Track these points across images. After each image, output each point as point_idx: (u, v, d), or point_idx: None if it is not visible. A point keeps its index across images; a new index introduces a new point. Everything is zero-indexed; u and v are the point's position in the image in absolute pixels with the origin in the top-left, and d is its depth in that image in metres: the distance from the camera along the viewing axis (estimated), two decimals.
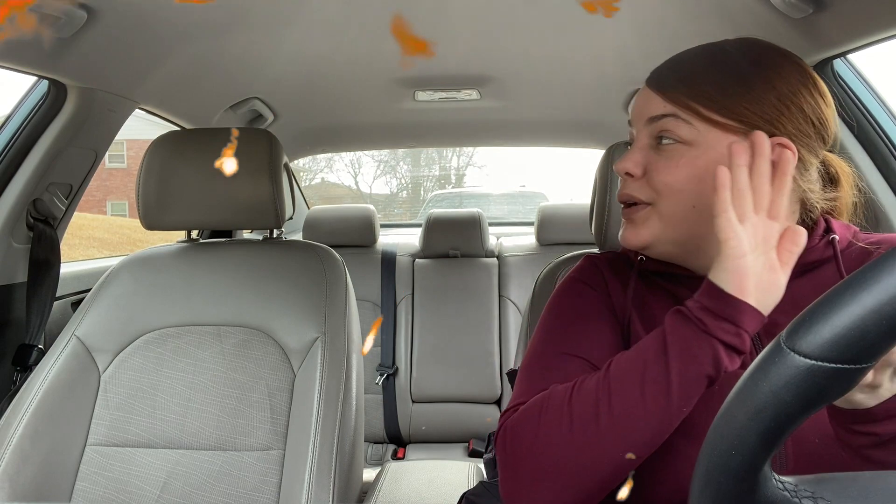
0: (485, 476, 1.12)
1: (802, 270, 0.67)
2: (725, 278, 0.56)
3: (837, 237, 0.68)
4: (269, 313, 1.14)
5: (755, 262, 0.56)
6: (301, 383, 1.08)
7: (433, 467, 1.51)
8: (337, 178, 19.83)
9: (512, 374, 0.89)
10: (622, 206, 0.72)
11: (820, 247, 0.68)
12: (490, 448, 0.95)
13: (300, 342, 1.11)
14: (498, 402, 2.21)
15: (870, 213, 1.22)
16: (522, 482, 0.60)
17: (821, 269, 0.68)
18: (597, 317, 0.72)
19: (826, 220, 0.70)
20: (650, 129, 0.68)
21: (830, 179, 0.70)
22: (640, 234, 0.69)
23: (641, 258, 0.74)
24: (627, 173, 0.69)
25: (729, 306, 0.55)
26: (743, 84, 0.64)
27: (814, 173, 0.68)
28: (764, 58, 0.66)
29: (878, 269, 0.33)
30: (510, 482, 0.61)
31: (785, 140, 0.63)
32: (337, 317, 1.14)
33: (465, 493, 0.92)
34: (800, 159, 0.64)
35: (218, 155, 1.18)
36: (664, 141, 0.66)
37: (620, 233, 0.72)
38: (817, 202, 0.68)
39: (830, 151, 0.70)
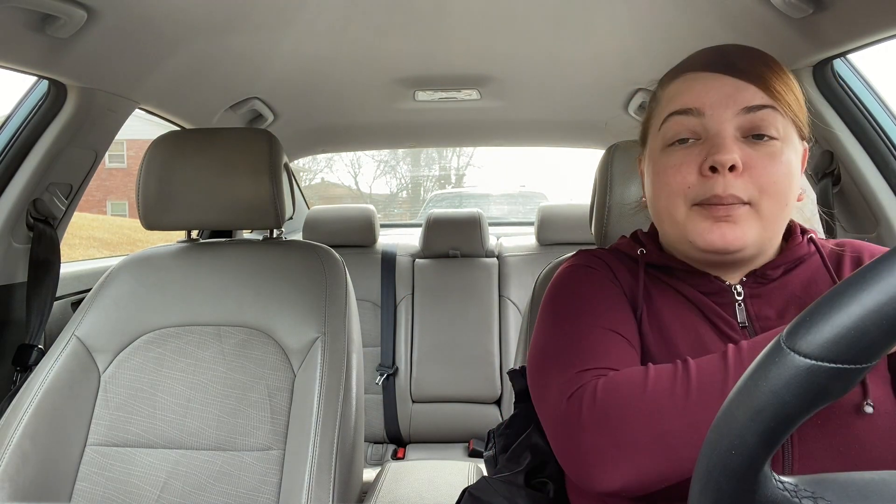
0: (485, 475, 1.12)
1: (792, 266, 0.70)
2: None
3: (813, 235, 0.72)
4: (269, 313, 1.14)
5: None
6: (301, 383, 1.08)
7: (433, 467, 1.51)
8: (337, 178, 19.84)
9: (512, 374, 0.88)
10: (703, 207, 0.65)
11: (804, 243, 0.70)
12: (490, 446, 0.95)
13: (300, 342, 1.11)
14: (498, 402, 2.21)
15: (863, 215, 1.22)
16: (618, 445, 0.56)
17: (807, 264, 0.70)
18: (615, 298, 0.70)
19: (799, 225, 0.73)
20: (741, 121, 0.64)
21: None
22: (744, 234, 0.63)
23: (642, 251, 0.74)
24: (733, 167, 0.62)
25: None
26: (792, 86, 0.66)
27: None
28: (777, 63, 0.69)
29: (878, 269, 0.33)
30: (595, 447, 0.57)
31: (807, 146, 0.68)
32: (337, 317, 1.14)
33: (466, 488, 0.92)
34: None
35: (218, 155, 1.19)
36: (761, 135, 0.63)
37: (709, 233, 0.64)
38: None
39: None
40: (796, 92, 0.66)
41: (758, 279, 0.69)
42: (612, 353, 0.64)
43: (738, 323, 0.68)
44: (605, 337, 0.66)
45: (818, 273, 0.69)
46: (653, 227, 0.80)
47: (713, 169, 0.63)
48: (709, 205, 0.64)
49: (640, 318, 0.70)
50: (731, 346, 0.58)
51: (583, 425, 0.58)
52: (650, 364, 0.60)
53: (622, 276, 0.74)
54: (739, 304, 0.68)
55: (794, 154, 0.65)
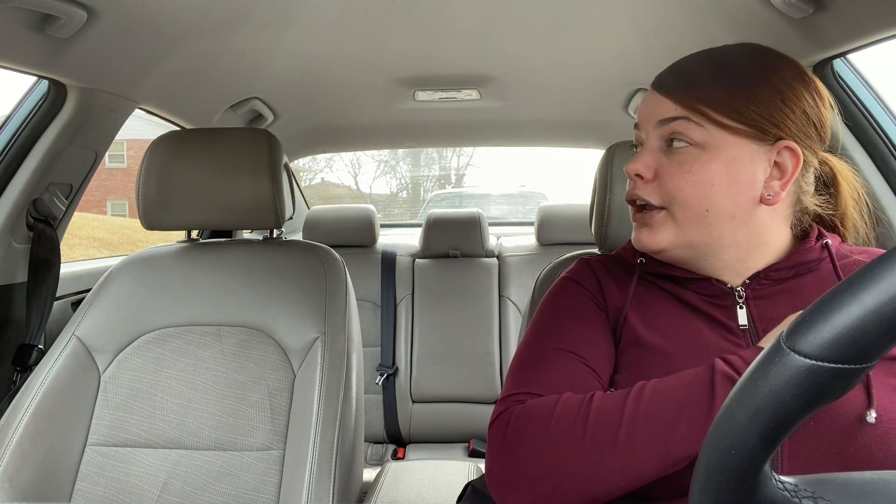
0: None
1: (803, 270, 0.69)
2: None
3: (830, 241, 0.71)
4: (269, 313, 1.14)
5: None
6: (301, 383, 1.08)
7: (433, 467, 1.51)
8: (337, 178, 19.84)
9: None
10: (632, 208, 0.72)
11: (816, 248, 0.70)
12: None
13: (300, 342, 1.11)
14: None
15: (871, 216, 1.22)
16: (518, 476, 0.61)
17: (818, 270, 0.70)
18: (590, 317, 0.73)
19: (818, 229, 0.72)
20: (660, 132, 0.68)
21: (825, 182, 0.73)
22: (657, 238, 0.69)
23: (641, 261, 0.75)
24: (638, 175, 0.69)
25: None
26: (749, 87, 0.65)
27: (811, 174, 0.70)
28: (766, 61, 0.67)
29: (878, 269, 0.33)
30: (503, 472, 0.62)
31: (792, 144, 0.65)
32: (337, 317, 1.14)
33: (471, 482, 0.92)
34: (802, 161, 0.66)
35: (218, 155, 1.19)
36: (676, 144, 0.67)
37: (634, 236, 0.72)
38: (810, 204, 0.70)
39: (829, 152, 0.71)
40: (763, 93, 0.64)
41: (761, 281, 0.69)
42: (553, 375, 0.68)
43: (739, 325, 0.68)
44: (556, 358, 0.69)
45: (829, 281, 0.68)
46: None
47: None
48: (633, 209, 0.72)
49: (622, 325, 0.72)
50: (636, 385, 0.61)
51: (494, 453, 0.64)
52: (565, 395, 0.63)
53: (616, 285, 0.76)
54: (741, 307, 0.68)
55: (722, 160, 0.65)
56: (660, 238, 0.69)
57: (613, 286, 0.76)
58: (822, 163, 0.72)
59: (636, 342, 0.70)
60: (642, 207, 0.70)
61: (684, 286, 0.72)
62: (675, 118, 0.66)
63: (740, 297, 0.69)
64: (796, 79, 0.67)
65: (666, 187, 0.67)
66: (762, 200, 0.66)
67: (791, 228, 0.70)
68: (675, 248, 0.69)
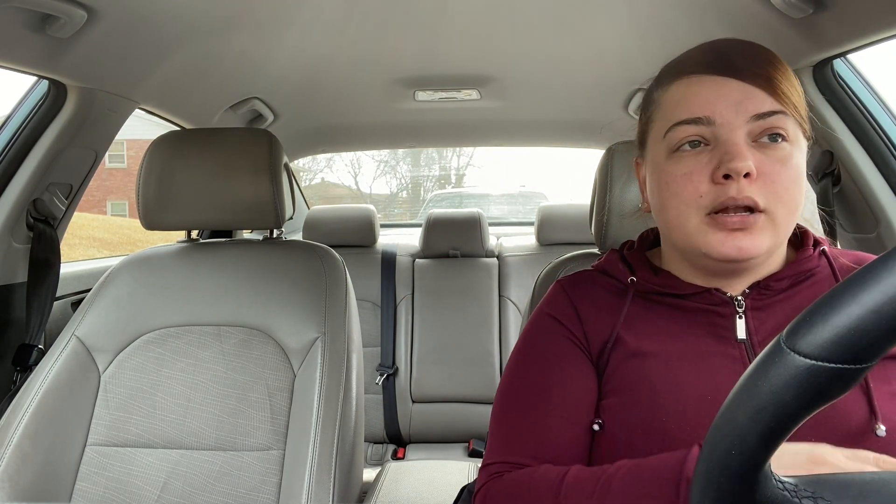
0: None
1: (800, 279, 0.68)
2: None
3: (826, 247, 0.70)
4: (269, 313, 1.14)
5: None
6: (301, 383, 1.08)
7: (433, 467, 1.51)
8: (337, 178, 19.85)
9: None
10: (703, 214, 0.63)
11: (815, 256, 0.68)
12: None
13: (300, 342, 1.11)
14: None
15: (863, 215, 1.22)
16: None
17: (816, 278, 0.68)
18: (567, 360, 0.70)
19: (812, 235, 0.71)
20: (753, 126, 0.62)
21: None
22: (760, 243, 0.62)
23: (632, 280, 0.72)
24: (748, 174, 0.60)
25: None
26: (796, 83, 0.65)
27: None
28: (782, 59, 0.67)
29: (877, 270, 0.33)
30: None
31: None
32: (337, 317, 1.14)
33: (465, 486, 0.92)
34: None
35: (218, 155, 1.19)
36: (775, 140, 0.62)
37: (723, 242, 0.62)
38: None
39: None
40: (799, 90, 0.65)
41: (761, 291, 0.67)
42: (530, 439, 0.67)
43: (738, 338, 0.66)
44: (533, 417, 0.68)
45: (827, 288, 0.68)
46: (640, 241, 0.79)
47: (727, 176, 0.61)
48: (723, 214, 0.62)
49: (609, 353, 0.69)
50: (611, 466, 0.58)
51: None
52: (541, 470, 0.62)
53: (598, 309, 0.72)
54: (740, 317, 0.66)
55: (801, 156, 0.64)
56: (763, 242, 0.61)
57: (594, 311, 0.72)
58: None
59: (632, 354, 0.68)
60: (735, 210, 0.62)
61: (681, 298, 0.69)
62: (774, 112, 0.61)
63: (740, 307, 0.67)
64: None
65: (773, 186, 0.61)
66: None
67: None
68: (767, 254, 0.64)
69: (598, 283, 0.75)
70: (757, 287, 0.67)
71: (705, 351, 0.66)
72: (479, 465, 0.70)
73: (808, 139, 0.65)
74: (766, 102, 0.62)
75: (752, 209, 0.61)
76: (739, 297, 0.67)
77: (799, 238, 0.71)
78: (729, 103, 0.62)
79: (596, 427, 0.67)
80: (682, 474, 0.52)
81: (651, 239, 0.79)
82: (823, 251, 0.69)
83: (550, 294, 0.77)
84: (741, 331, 0.66)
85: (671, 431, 0.62)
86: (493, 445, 0.69)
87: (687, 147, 0.64)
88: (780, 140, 0.62)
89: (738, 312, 0.66)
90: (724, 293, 0.67)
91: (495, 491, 0.64)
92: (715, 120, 0.63)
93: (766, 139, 0.62)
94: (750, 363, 0.65)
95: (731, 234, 0.62)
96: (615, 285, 0.74)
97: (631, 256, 0.76)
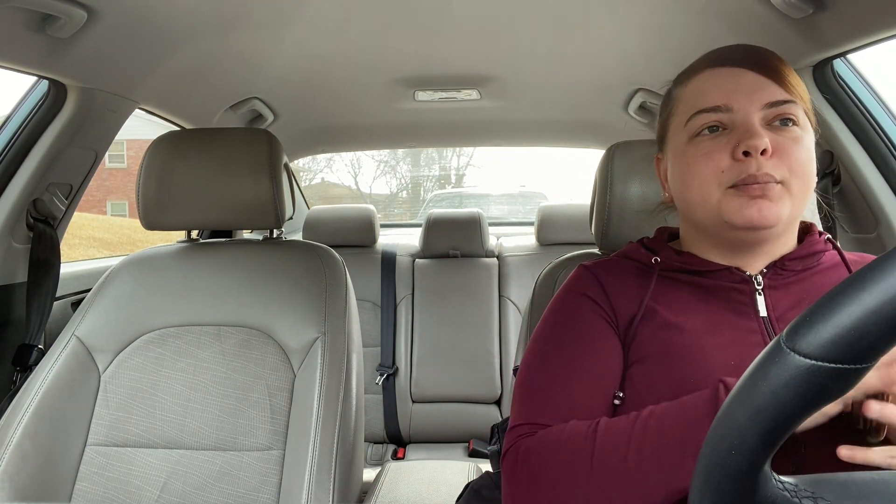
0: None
1: (813, 263, 0.73)
2: None
3: (829, 235, 0.75)
4: (269, 313, 1.14)
5: None
6: (301, 383, 1.08)
7: (433, 467, 1.51)
8: (337, 178, 19.84)
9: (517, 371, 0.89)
10: (740, 187, 0.68)
11: (821, 241, 0.74)
12: (494, 440, 0.96)
13: (300, 342, 1.11)
14: (498, 402, 2.21)
15: (863, 215, 1.22)
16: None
17: (827, 264, 0.74)
18: (592, 330, 0.73)
19: (813, 225, 0.77)
20: (767, 113, 0.68)
21: None
22: (779, 210, 0.66)
23: (656, 259, 0.75)
24: (763, 151, 0.66)
25: None
26: (800, 81, 0.71)
27: None
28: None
29: (878, 270, 0.33)
30: (518, 499, 0.64)
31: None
32: (337, 317, 1.14)
33: (469, 483, 0.92)
34: None
35: (218, 155, 1.19)
36: (787, 124, 0.68)
37: (744, 210, 0.67)
38: None
39: None
40: (804, 86, 0.71)
41: (777, 271, 0.71)
42: (558, 402, 0.69)
43: (760, 314, 0.70)
44: (560, 382, 0.70)
45: (839, 275, 0.72)
46: (659, 233, 0.82)
47: (746, 154, 0.66)
48: (744, 185, 0.67)
49: (635, 329, 0.72)
50: (640, 414, 0.61)
51: (508, 489, 0.66)
52: (571, 424, 0.65)
53: (624, 287, 0.76)
54: (759, 293, 0.71)
55: (811, 141, 0.69)
56: (782, 210, 0.67)
57: (621, 289, 0.76)
58: None
59: (661, 325, 0.71)
60: (756, 183, 0.67)
61: (702, 275, 0.73)
62: (786, 101, 0.68)
63: (759, 285, 0.71)
64: None
65: (789, 161, 0.67)
66: None
67: None
68: (784, 224, 0.69)
69: (621, 266, 0.79)
70: (773, 266, 0.71)
71: (727, 323, 0.70)
72: (481, 462, 0.71)
73: (815, 130, 0.71)
74: (777, 92, 0.68)
75: (765, 182, 0.67)
76: (758, 276, 0.71)
77: (805, 225, 0.77)
78: (744, 92, 0.68)
79: (616, 402, 0.70)
80: (717, 402, 0.56)
81: (667, 234, 0.83)
82: (829, 238, 0.74)
83: (575, 276, 0.80)
84: (761, 307, 0.70)
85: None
86: (521, 410, 0.71)
87: (706, 132, 0.70)
88: (790, 124, 0.68)
89: (757, 290, 0.71)
90: (744, 272, 0.71)
91: (526, 448, 0.65)
92: (732, 107, 0.68)
93: (778, 123, 0.68)
94: (770, 338, 0.67)
95: (752, 201, 0.67)
96: (638, 267, 0.78)
97: (651, 243, 0.80)
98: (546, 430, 0.65)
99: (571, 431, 0.63)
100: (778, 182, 0.66)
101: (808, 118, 0.70)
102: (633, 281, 0.76)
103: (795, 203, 0.68)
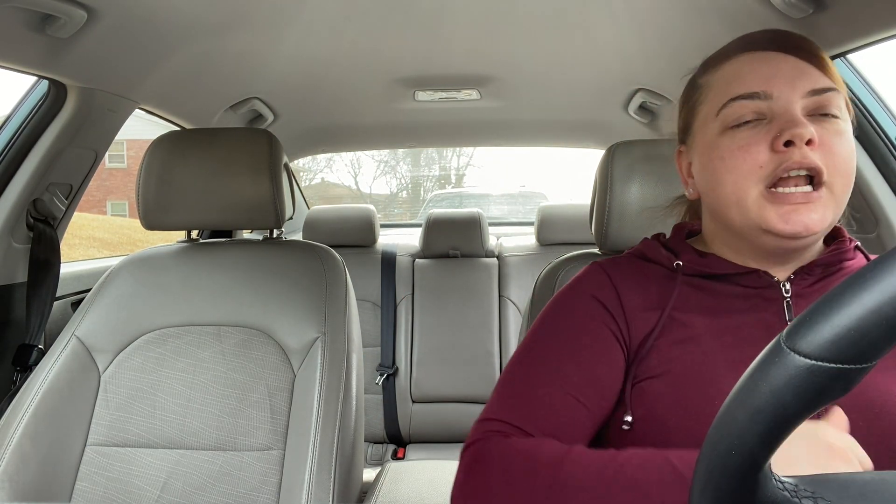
0: None
1: (832, 270, 0.68)
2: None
3: (859, 244, 0.70)
4: (269, 313, 1.14)
5: None
6: (301, 383, 1.08)
7: (433, 467, 1.51)
8: (337, 178, 19.84)
9: None
10: (762, 188, 0.62)
11: (851, 248, 0.68)
12: None
13: (300, 342, 1.11)
14: None
15: (863, 215, 1.22)
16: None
17: (850, 269, 0.68)
18: (597, 341, 0.68)
19: (842, 228, 0.71)
20: (809, 102, 0.62)
21: None
22: (823, 217, 0.61)
23: (678, 264, 0.70)
24: (810, 141, 0.60)
25: None
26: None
27: None
28: None
29: (878, 269, 0.33)
30: (467, 498, 0.61)
31: None
32: (337, 317, 1.14)
33: None
34: None
35: (218, 155, 1.19)
36: (830, 115, 0.62)
37: (786, 217, 0.61)
38: None
39: None
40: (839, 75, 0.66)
41: (804, 276, 0.66)
42: (538, 409, 0.64)
43: (787, 322, 0.64)
44: (544, 386, 0.65)
45: None
46: (678, 230, 0.76)
47: (787, 144, 0.60)
48: (783, 188, 0.61)
49: (655, 339, 0.67)
50: (608, 460, 0.55)
51: (459, 482, 0.62)
52: (547, 442, 0.60)
53: (641, 290, 0.70)
54: (788, 302, 0.66)
55: (852, 135, 0.64)
56: (826, 217, 0.61)
57: (639, 296, 0.70)
58: None
59: (682, 338, 0.66)
60: (790, 184, 0.62)
61: (731, 280, 0.68)
62: (828, 89, 0.62)
63: (787, 293, 0.66)
64: None
65: (832, 156, 0.60)
66: None
67: None
68: (824, 231, 0.63)
69: (639, 269, 0.73)
70: (801, 271, 0.66)
71: (752, 339, 0.65)
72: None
73: (852, 122, 0.65)
74: (820, 79, 0.62)
75: (812, 182, 0.61)
76: (786, 283, 0.67)
77: (831, 236, 0.71)
78: (786, 78, 0.63)
79: (625, 426, 0.65)
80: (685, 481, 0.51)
81: (685, 232, 0.77)
82: (857, 246, 0.69)
83: (589, 273, 0.74)
84: (790, 315, 0.65)
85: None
86: (498, 404, 0.66)
87: (743, 124, 0.64)
88: (833, 116, 0.62)
89: (785, 298, 0.66)
90: (772, 277, 0.67)
91: (492, 450, 0.61)
92: (772, 94, 0.62)
93: (819, 115, 0.62)
94: None
95: (794, 207, 0.61)
96: (658, 270, 0.72)
97: (672, 243, 0.74)
98: (519, 441, 0.61)
99: (541, 452, 0.58)
100: (822, 183, 0.60)
101: (848, 109, 0.64)
102: (652, 287, 0.70)
103: (839, 205, 0.62)
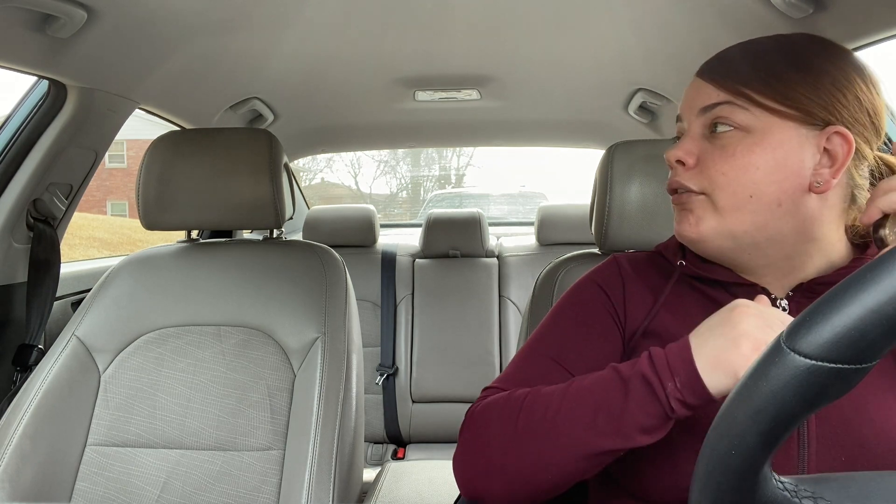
0: None
1: None
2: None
3: None
4: (269, 313, 1.14)
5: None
6: (301, 383, 1.08)
7: (433, 467, 1.51)
8: (337, 178, 19.84)
9: None
10: (672, 197, 0.70)
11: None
12: None
13: (300, 342, 1.11)
14: None
15: None
16: (476, 469, 0.64)
17: None
18: (598, 328, 0.71)
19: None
20: (703, 119, 0.66)
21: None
22: (698, 227, 0.66)
23: (681, 262, 0.71)
24: (679, 161, 0.66)
25: (692, 381, 0.54)
26: (798, 69, 0.63)
27: (866, 168, 0.65)
28: (814, 46, 0.65)
29: (878, 269, 0.33)
30: (464, 465, 0.65)
31: (842, 129, 0.61)
32: (337, 317, 1.14)
33: None
34: (855, 150, 0.62)
35: (218, 155, 1.19)
36: (720, 129, 0.64)
37: (676, 227, 0.69)
38: (864, 201, 0.65)
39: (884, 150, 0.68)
40: (809, 75, 0.62)
41: (805, 294, 0.65)
42: (525, 375, 0.70)
43: None
44: (542, 364, 0.70)
45: None
46: None
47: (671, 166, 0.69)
48: (673, 197, 0.69)
49: (642, 333, 0.70)
50: (576, 379, 0.61)
51: (458, 445, 0.67)
52: (514, 391, 0.65)
53: (646, 288, 0.73)
54: None
55: (769, 144, 0.62)
56: (701, 227, 0.65)
57: (641, 290, 0.73)
58: (879, 160, 0.66)
59: (664, 336, 0.68)
60: (680, 195, 0.68)
61: (727, 290, 0.69)
62: (718, 104, 0.64)
63: (784, 310, 0.65)
64: (848, 63, 0.64)
65: (708, 172, 0.64)
66: (811, 188, 0.62)
67: (847, 231, 0.66)
68: (717, 238, 0.65)
69: (652, 262, 0.76)
70: (800, 289, 0.66)
71: None
72: None
73: (815, 125, 0.62)
74: (709, 95, 0.65)
75: (687, 192, 0.67)
76: (783, 300, 0.66)
77: (864, 243, 0.68)
78: (689, 100, 0.69)
79: None
80: (635, 367, 0.57)
81: None
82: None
83: (604, 265, 0.78)
84: None
85: (701, 419, 0.59)
86: (501, 374, 0.72)
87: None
88: (725, 129, 0.64)
89: None
90: (770, 293, 0.66)
91: (476, 410, 0.67)
92: (682, 117, 0.70)
93: (715, 129, 0.65)
94: None
95: (678, 214, 0.69)
96: (665, 266, 0.75)
97: None
98: (516, 391, 0.65)
99: (510, 396, 0.64)
100: (699, 193, 0.65)
101: (789, 114, 0.61)
102: (655, 282, 0.73)
103: (728, 218, 0.64)
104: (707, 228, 0.65)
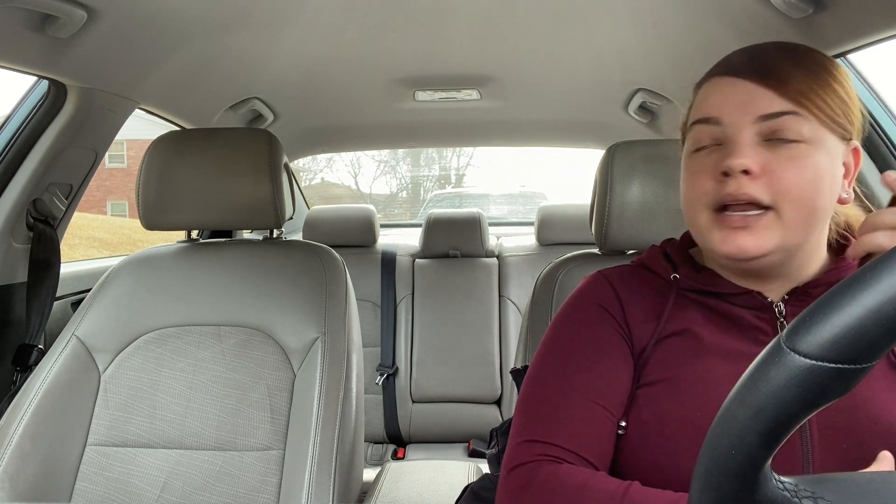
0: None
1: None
2: None
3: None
4: (269, 313, 1.14)
5: None
6: (301, 383, 1.08)
7: (433, 467, 1.51)
8: (337, 178, 19.84)
9: (515, 373, 0.88)
10: (711, 211, 0.64)
11: (854, 266, 0.67)
12: (493, 444, 0.95)
13: (300, 342, 1.11)
14: (498, 402, 2.21)
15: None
16: None
17: None
18: (610, 344, 0.69)
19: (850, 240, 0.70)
20: (761, 127, 0.62)
21: None
22: (764, 242, 0.61)
23: (675, 276, 0.71)
24: (746, 171, 0.61)
25: None
26: (829, 83, 0.63)
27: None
28: (827, 60, 0.66)
29: (878, 269, 0.33)
30: None
31: (857, 144, 0.64)
32: (337, 317, 1.14)
33: (469, 485, 0.92)
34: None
35: (218, 155, 1.19)
36: (786, 137, 0.61)
37: (726, 240, 0.63)
38: (839, 209, 0.68)
39: None
40: (837, 88, 0.63)
41: (800, 297, 0.66)
42: (577, 427, 0.65)
43: None
44: (577, 402, 0.67)
45: None
46: (684, 238, 0.77)
47: (727, 174, 0.62)
48: (726, 212, 0.63)
49: (651, 352, 0.68)
50: (633, 486, 0.58)
51: (508, 497, 0.63)
52: (598, 477, 0.61)
53: (642, 303, 0.72)
54: (781, 323, 0.65)
55: (825, 157, 0.62)
56: (766, 241, 0.61)
57: (641, 308, 0.71)
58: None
59: (674, 349, 0.68)
60: (739, 206, 0.62)
61: (725, 300, 0.68)
62: (784, 113, 0.61)
63: (781, 315, 0.66)
64: (846, 76, 0.65)
65: (780, 184, 0.60)
66: (840, 200, 0.64)
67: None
68: (776, 253, 0.62)
69: (640, 278, 0.75)
70: (795, 293, 0.66)
71: (745, 354, 0.65)
72: (481, 462, 0.69)
73: (845, 139, 0.64)
74: (773, 103, 0.62)
75: (759, 206, 0.61)
76: (780, 303, 0.66)
77: (839, 246, 0.70)
78: (736, 104, 0.63)
79: (620, 431, 0.66)
80: None
81: (688, 241, 0.78)
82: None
83: (592, 282, 0.75)
84: None
85: (705, 428, 0.61)
86: (534, 424, 0.67)
87: (703, 148, 0.66)
88: (789, 141, 0.61)
89: (779, 319, 0.66)
90: (766, 297, 0.67)
91: (546, 477, 0.62)
92: (722, 120, 0.64)
93: (777, 139, 0.62)
94: None
95: (732, 232, 0.62)
96: (657, 281, 0.73)
97: (674, 253, 0.75)
98: (572, 470, 0.62)
99: (597, 486, 0.59)
100: (765, 207, 0.61)
101: (830, 126, 0.62)
102: (651, 299, 0.72)
103: (791, 231, 0.61)
104: (772, 244, 0.62)
